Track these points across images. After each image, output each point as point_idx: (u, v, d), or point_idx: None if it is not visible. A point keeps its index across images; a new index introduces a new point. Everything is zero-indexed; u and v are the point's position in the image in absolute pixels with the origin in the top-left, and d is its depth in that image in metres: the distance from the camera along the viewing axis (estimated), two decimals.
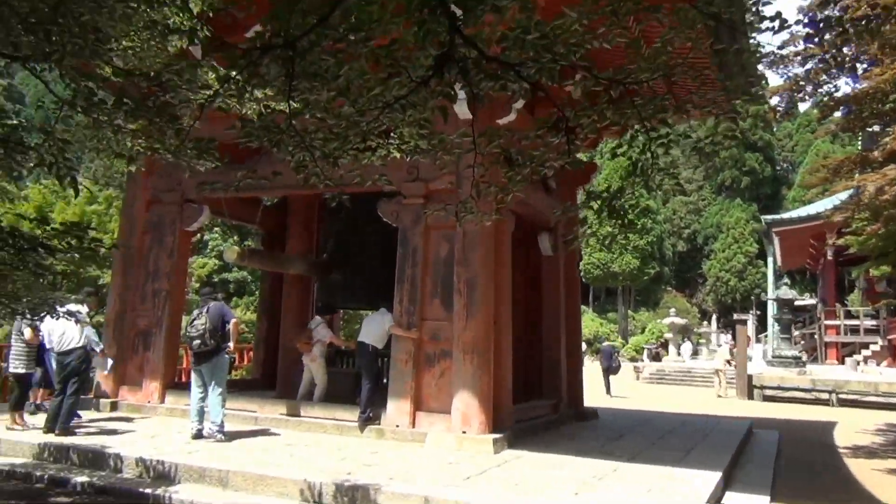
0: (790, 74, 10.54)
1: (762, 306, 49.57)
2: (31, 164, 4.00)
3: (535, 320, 11.83)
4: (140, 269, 11.05)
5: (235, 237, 26.68)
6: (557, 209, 11.85)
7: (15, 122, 4.46)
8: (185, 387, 10.28)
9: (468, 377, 8.71)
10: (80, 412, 9.18)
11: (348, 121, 3.35)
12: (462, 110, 5.54)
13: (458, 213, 3.85)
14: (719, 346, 29.19)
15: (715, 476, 7.47)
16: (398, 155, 3.83)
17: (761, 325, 44.90)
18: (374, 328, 9.60)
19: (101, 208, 22.36)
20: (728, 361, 22.68)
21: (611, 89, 3.34)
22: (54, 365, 9.02)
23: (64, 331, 8.58)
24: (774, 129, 63.21)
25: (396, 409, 9.00)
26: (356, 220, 11.20)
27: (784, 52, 10.30)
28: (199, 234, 30.41)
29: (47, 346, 8.96)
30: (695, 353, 36.61)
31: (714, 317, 51.38)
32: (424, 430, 8.74)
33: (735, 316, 24.05)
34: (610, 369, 21.39)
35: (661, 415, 14.01)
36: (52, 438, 8.11)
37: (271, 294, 13.06)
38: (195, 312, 8.85)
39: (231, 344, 8.78)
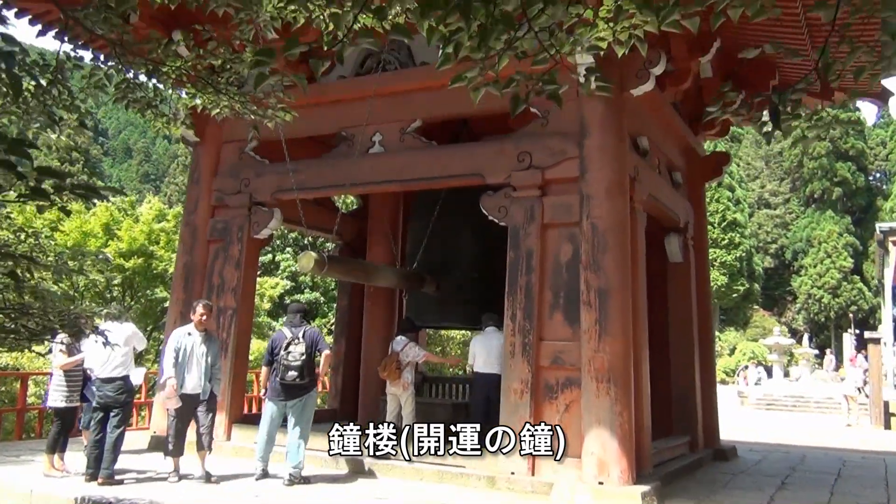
0: None
1: (860, 324, 45.84)
2: None
3: (660, 340, 9.86)
4: (202, 283, 9.51)
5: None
6: (686, 207, 10.05)
7: None
8: (254, 420, 8.73)
9: (604, 412, 6.87)
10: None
11: None
12: None
13: (774, 107, 2.03)
14: (839, 367, 26.33)
15: None
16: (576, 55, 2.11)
17: (863, 345, 41.33)
18: (494, 353, 8.10)
19: (170, 226, 21.31)
20: (859, 389, 20.06)
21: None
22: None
23: (109, 354, 6.98)
24: (867, 137, 59.36)
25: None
26: (452, 221, 9.44)
27: None
28: (269, 254, 29.40)
29: (88, 371, 7.41)
30: (786, 375, 33.67)
31: (806, 336, 47.90)
32: (548, 480, 6.89)
33: (867, 334, 21.37)
34: None
35: (808, 450, 11.78)
36: (92, 490, 6.53)
37: (350, 312, 11.41)
38: (287, 334, 7.39)
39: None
